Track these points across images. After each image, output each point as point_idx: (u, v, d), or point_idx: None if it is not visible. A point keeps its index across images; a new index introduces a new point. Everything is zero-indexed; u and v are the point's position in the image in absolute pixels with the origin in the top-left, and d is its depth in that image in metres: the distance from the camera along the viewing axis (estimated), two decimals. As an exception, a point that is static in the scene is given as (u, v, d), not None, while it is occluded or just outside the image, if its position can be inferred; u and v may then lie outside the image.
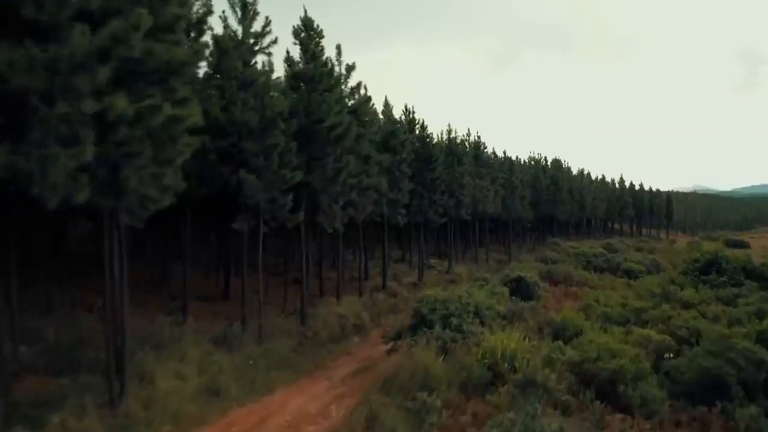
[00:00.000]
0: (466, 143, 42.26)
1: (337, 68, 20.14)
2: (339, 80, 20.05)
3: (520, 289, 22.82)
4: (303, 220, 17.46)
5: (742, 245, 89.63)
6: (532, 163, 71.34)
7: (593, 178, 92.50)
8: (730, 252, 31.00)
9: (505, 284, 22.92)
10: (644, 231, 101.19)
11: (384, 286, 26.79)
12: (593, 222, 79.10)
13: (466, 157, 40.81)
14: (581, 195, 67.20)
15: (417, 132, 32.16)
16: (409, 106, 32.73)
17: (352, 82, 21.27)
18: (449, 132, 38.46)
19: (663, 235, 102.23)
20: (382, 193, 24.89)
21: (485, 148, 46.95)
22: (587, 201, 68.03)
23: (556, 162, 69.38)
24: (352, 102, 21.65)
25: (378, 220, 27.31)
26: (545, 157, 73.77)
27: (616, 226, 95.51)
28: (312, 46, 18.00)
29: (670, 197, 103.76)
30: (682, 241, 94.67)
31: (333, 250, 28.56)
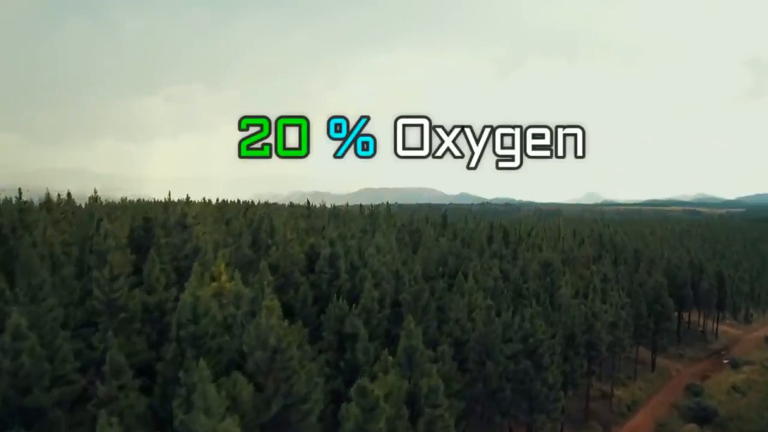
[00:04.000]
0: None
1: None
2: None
3: None
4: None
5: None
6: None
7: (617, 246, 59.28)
8: None
9: None
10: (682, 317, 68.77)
11: None
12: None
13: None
14: (588, 323, 33.92)
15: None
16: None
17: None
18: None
19: (711, 325, 69.18)
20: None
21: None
22: (603, 343, 34.49)
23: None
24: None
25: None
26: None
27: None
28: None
29: (723, 275, 69.50)
30: (742, 347, 61.43)
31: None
